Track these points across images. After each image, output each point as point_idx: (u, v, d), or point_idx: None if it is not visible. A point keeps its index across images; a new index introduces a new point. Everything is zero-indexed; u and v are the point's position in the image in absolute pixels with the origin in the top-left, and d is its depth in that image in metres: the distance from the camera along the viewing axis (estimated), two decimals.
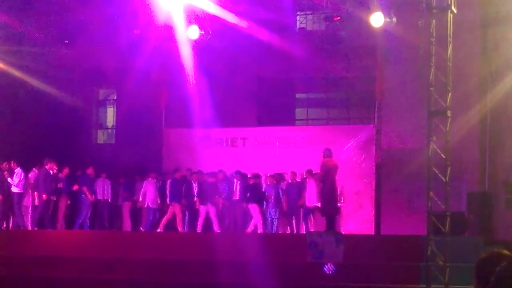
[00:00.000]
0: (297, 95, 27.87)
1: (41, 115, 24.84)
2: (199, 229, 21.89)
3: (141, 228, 22.71)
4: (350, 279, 16.43)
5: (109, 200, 23.13)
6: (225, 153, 24.27)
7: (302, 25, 25.60)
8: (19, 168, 21.74)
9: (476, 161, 21.91)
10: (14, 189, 21.62)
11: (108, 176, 23.12)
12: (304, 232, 20.84)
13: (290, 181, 21.96)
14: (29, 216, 21.67)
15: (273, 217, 21.69)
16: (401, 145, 22.48)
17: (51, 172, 21.50)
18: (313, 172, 21.65)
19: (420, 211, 18.67)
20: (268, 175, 22.45)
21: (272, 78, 26.32)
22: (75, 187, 22.38)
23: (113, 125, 28.76)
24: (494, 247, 15.31)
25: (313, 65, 24.30)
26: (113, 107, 28.70)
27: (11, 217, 22.10)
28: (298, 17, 25.40)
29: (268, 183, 22.15)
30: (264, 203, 21.87)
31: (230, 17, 21.70)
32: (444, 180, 15.65)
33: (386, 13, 20.38)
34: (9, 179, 21.58)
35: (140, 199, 22.55)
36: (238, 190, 22.01)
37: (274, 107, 26.48)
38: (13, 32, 23.19)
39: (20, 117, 24.77)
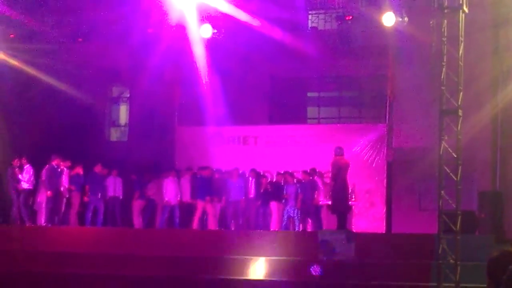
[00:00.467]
0: (309, 94, 27.93)
1: (54, 112, 24.93)
2: (212, 226, 22.11)
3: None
4: (361, 277, 16.49)
5: (121, 198, 23.21)
6: (237, 151, 24.38)
7: (314, 24, 25.62)
8: (28, 164, 21.89)
9: (487, 160, 21.93)
10: (24, 185, 21.80)
11: (120, 174, 23.21)
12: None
13: (303, 180, 21.99)
14: (43, 213, 21.84)
15: (291, 215, 21.77)
16: (412, 144, 22.52)
17: (58, 168, 21.65)
18: (317, 171, 21.82)
19: (431, 210, 18.72)
20: (283, 172, 22.50)
21: (284, 77, 26.42)
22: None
23: (126, 123, 28.84)
24: (505, 245, 15.43)
25: (325, 64, 24.37)
26: (126, 104, 28.78)
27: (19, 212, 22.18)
28: (310, 16, 25.43)
29: (288, 181, 22.16)
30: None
31: (242, 16, 21.80)
32: (455, 179, 15.69)
33: (398, 12, 20.43)
34: (19, 176, 21.75)
35: (164, 197, 22.70)
36: (253, 188, 22.11)
37: (286, 106, 26.56)
38: (27, 30, 23.29)
39: (33, 115, 24.87)
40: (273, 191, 22.06)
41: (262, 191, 22.17)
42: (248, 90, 25.09)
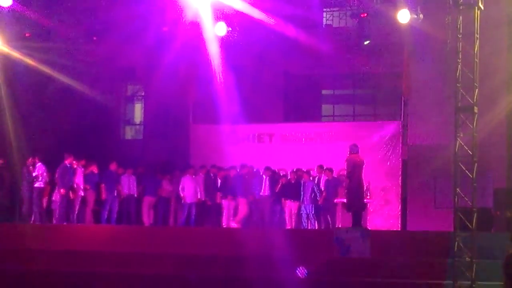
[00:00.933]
0: (324, 92, 27.96)
1: (69, 111, 25.02)
2: (224, 223, 22.17)
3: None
4: (376, 275, 16.47)
5: (136, 195, 23.26)
6: (252, 149, 24.41)
7: (329, 22, 25.64)
8: (40, 163, 21.98)
9: (503, 157, 21.85)
10: (36, 183, 21.91)
11: (135, 172, 23.26)
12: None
13: (327, 178, 21.96)
14: (57, 211, 21.97)
15: (308, 212, 21.78)
16: (427, 142, 22.48)
17: (71, 167, 21.75)
18: (324, 168, 21.85)
19: (447, 207, 18.67)
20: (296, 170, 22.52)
21: (298, 75, 26.46)
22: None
23: (141, 121, 28.94)
24: None
25: (339, 61, 24.35)
26: (141, 103, 28.87)
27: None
28: (324, 14, 25.44)
29: (305, 178, 22.17)
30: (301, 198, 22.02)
31: (257, 14, 21.78)
32: (471, 176, 15.65)
33: (413, 9, 20.36)
34: (34, 174, 21.86)
35: (182, 194, 22.76)
36: (267, 186, 22.14)
37: (300, 103, 26.60)
38: (42, 29, 23.36)
39: (49, 114, 24.94)
40: (288, 189, 22.08)
41: (277, 189, 22.18)
42: (263, 88, 25.12)
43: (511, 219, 19.32)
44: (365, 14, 21.83)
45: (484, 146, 18.14)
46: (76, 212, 22.13)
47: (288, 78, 26.61)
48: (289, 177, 22.48)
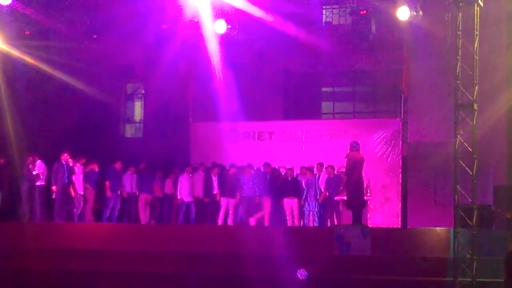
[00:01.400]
0: (323, 89, 27.93)
1: (69, 109, 25.01)
2: (220, 222, 22.19)
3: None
4: (376, 272, 16.49)
5: (137, 194, 23.26)
6: (252, 146, 24.40)
7: (328, 19, 25.60)
8: (40, 160, 21.99)
9: (503, 154, 21.85)
10: (38, 182, 21.91)
11: (136, 170, 23.26)
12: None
13: (328, 175, 21.95)
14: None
15: (311, 210, 21.80)
16: (427, 139, 22.46)
17: (67, 164, 21.73)
18: (326, 166, 21.87)
19: (447, 205, 18.67)
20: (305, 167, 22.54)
21: (298, 72, 26.44)
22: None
23: (141, 119, 28.93)
24: None
25: (339, 59, 24.35)
26: (141, 101, 28.86)
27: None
28: (324, 11, 25.41)
29: (308, 176, 22.18)
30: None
31: (256, 11, 21.77)
32: (471, 173, 15.67)
33: (412, 6, 20.35)
34: (34, 172, 21.86)
35: (179, 193, 22.77)
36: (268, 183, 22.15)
37: (300, 101, 26.60)
38: (41, 27, 23.36)
39: (48, 112, 24.94)
40: (289, 187, 22.07)
41: (277, 186, 22.18)
42: (263, 86, 25.12)
43: (511, 220, 19.30)
44: (365, 12, 21.82)
45: (484, 143, 18.14)
46: (79, 211, 22.11)
47: (288, 75, 26.59)
48: (288, 175, 22.48)
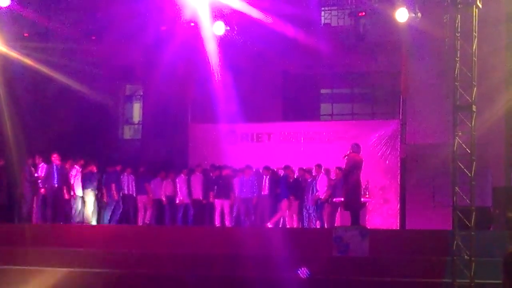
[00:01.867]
0: (322, 91, 27.98)
1: (68, 111, 25.04)
2: (217, 223, 22.25)
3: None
4: (375, 274, 16.47)
5: (134, 195, 23.28)
6: (251, 148, 24.42)
7: (327, 21, 25.65)
8: (43, 163, 22.00)
9: (501, 155, 21.88)
10: (40, 184, 21.93)
11: (134, 172, 23.27)
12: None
13: (336, 177, 21.95)
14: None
15: (310, 211, 21.84)
16: (426, 140, 22.50)
17: (58, 165, 21.71)
18: (323, 167, 21.90)
19: (445, 206, 18.69)
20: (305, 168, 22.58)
21: (297, 74, 26.47)
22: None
23: (139, 121, 28.96)
24: None
25: (338, 60, 24.38)
26: (140, 102, 28.89)
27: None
28: (323, 13, 25.45)
29: (307, 177, 22.22)
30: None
31: (255, 13, 21.79)
32: (469, 174, 15.64)
33: (411, 8, 20.36)
34: (36, 174, 21.85)
35: (177, 194, 22.83)
36: (267, 185, 22.16)
37: (299, 103, 26.62)
38: (40, 28, 23.39)
39: (47, 113, 24.97)
40: (288, 188, 22.11)
41: (277, 188, 22.22)
42: (261, 87, 25.15)
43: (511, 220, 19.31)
44: (363, 13, 21.83)
45: (483, 144, 18.14)
46: (77, 212, 22.10)
47: (286, 77, 26.63)
48: (288, 176, 22.52)
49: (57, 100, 24.99)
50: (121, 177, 22.85)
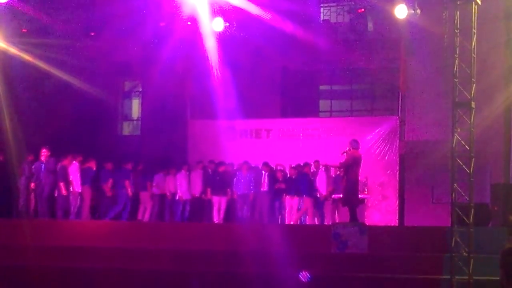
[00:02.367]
0: (321, 87, 27.97)
1: (66, 107, 24.98)
2: (215, 220, 22.33)
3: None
4: (374, 270, 16.48)
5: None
6: (250, 144, 24.41)
7: (326, 17, 25.62)
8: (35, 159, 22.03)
9: (500, 152, 21.87)
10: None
11: (133, 168, 23.26)
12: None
13: (326, 174, 22.00)
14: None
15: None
16: (424, 137, 22.51)
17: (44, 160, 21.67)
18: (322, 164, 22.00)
19: (444, 203, 18.70)
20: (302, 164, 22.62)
21: (296, 70, 26.46)
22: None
23: (138, 117, 28.92)
24: None
25: (337, 57, 24.36)
26: (139, 98, 28.85)
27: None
28: (322, 9, 25.43)
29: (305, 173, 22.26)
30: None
31: (254, 9, 21.78)
32: (468, 171, 15.64)
33: (410, 4, 20.35)
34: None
35: (177, 191, 22.88)
36: (266, 181, 22.18)
37: (298, 99, 26.62)
38: (39, 24, 23.33)
39: (46, 110, 24.92)
40: (287, 185, 22.14)
41: (275, 184, 22.25)
42: (260, 83, 25.13)
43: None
44: (363, 9, 21.81)
45: (482, 141, 18.15)
46: (76, 209, 22.10)
47: (285, 73, 26.63)
48: (288, 173, 22.57)
49: (55, 96, 24.96)
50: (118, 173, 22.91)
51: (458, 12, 16.07)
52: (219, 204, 22.48)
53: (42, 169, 21.65)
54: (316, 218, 21.90)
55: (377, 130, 23.33)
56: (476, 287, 15.17)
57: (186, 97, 25.24)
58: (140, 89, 28.60)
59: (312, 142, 23.98)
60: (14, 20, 22.72)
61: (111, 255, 18.39)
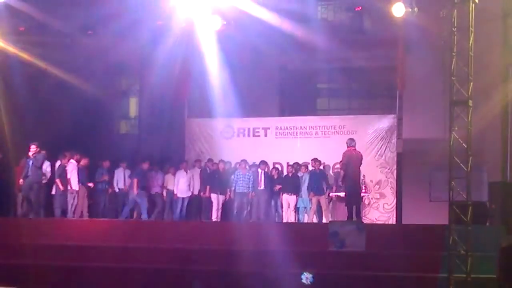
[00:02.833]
0: (319, 85, 27.96)
1: (63, 106, 24.89)
2: (213, 218, 22.41)
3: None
4: (371, 268, 16.50)
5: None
6: (247, 143, 24.38)
7: (324, 16, 25.61)
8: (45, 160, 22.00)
9: (498, 150, 21.88)
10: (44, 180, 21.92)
11: (130, 167, 23.26)
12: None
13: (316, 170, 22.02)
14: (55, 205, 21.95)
15: (305, 206, 21.92)
16: (422, 135, 22.53)
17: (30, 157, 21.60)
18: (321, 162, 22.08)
19: (442, 201, 18.69)
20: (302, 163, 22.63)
21: (294, 69, 26.46)
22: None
23: (136, 116, 28.90)
24: None
25: (334, 55, 24.32)
26: (136, 97, 28.82)
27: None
28: (319, 8, 25.40)
29: (303, 172, 22.29)
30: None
31: (252, 8, 21.77)
32: (465, 169, 15.67)
33: (408, 3, 20.37)
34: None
35: (175, 189, 22.96)
36: (263, 180, 22.19)
37: (296, 97, 26.59)
38: (37, 23, 23.32)
39: (43, 108, 24.87)
40: (285, 183, 22.16)
41: (273, 183, 22.27)
42: (258, 82, 25.09)
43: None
44: (360, 8, 21.83)
45: (479, 139, 18.19)
46: (74, 207, 22.07)
47: (283, 72, 26.63)
48: (284, 171, 22.59)
49: (53, 95, 24.90)
50: (116, 171, 22.87)
51: (455, 11, 16.09)
52: (217, 203, 22.50)
53: (30, 165, 21.46)
54: (314, 216, 21.92)
55: (375, 129, 23.29)
56: (474, 286, 15.19)
57: (183, 95, 25.15)
58: (138, 88, 28.54)
59: (309, 141, 23.95)
60: (11, 19, 22.69)
61: (110, 254, 18.37)
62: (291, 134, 24.33)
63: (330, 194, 21.87)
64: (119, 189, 23.04)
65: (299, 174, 22.32)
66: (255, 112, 24.73)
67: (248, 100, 23.99)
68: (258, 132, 24.58)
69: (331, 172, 22.81)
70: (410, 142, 22.84)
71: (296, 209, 22.15)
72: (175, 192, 22.91)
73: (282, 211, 22.23)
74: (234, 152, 23.51)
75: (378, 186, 23.07)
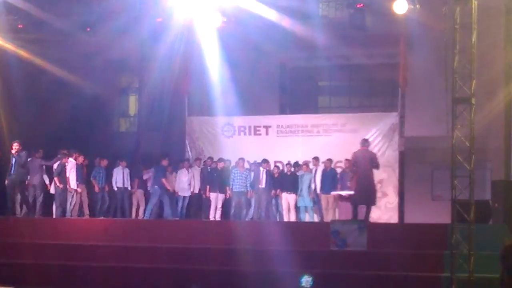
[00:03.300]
0: (320, 83, 27.91)
1: (63, 103, 24.90)
2: (212, 217, 22.43)
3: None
4: (373, 268, 16.40)
5: (129, 189, 23.21)
6: (248, 141, 24.28)
7: (325, 13, 25.48)
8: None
9: (500, 148, 21.76)
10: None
11: (130, 165, 23.17)
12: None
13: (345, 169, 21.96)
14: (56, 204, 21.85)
15: (306, 205, 21.79)
16: (424, 133, 22.43)
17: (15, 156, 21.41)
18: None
19: (444, 200, 18.59)
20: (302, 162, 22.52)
21: (294, 66, 26.44)
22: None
23: (135, 113, 28.86)
24: None
25: (335, 52, 24.27)
26: (135, 95, 28.78)
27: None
28: (320, 5, 25.29)
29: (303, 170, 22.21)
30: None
31: (252, 5, 21.68)
32: (468, 168, 15.55)
33: None
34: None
35: (176, 188, 22.92)
36: (264, 178, 22.08)
37: (297, 95, 26.57)
38: (35, 20, 23.25)
39: (42, 106, 24.87)
40: (284, 181, 22.04)
41: (274, 181, 22.17)
42: (259, 80, 25.04)
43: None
44: (362, 5, 21.72)
45: (482, 138, 18.05)
46: (73, 206, 21.98)
47: (284, 69, 26.60)
48: (284, 170, 22.49)
49: (51, 93, 24.89)
50: (115, 170, 22.78)
51: (458, 8, 15.96)
52: (216, 201, 22.40)
53: (13, 163, 21.01)
54: (315, 215, 21.81)
55: (377, 127, 23.16)
56: (477, 285, 15.09)
57: (183, 93, 25.04)
58: (137, 85, 28.50)
59: (310, 139, 23.84)
60: (9, 16, 22.66)
61: (109, 253, 18.29)
62: (292, 132, 24.21)
63: (332, 193, 21.73)
64: (117, 187, 22.90)
65: (299, 173, 22.21)
66: (255, 110, 24.65)
67: (249, 97, 23.95)
68: (259, 130, 24.46)
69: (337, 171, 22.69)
70: (412, 140, 22.75)
71: (297, 208, 22.04)
72: (176, 190, 22.78)
73: (283, 210, 22.14)
74: (235, 151, 23.42)
75: (380, 185, 22.93)
